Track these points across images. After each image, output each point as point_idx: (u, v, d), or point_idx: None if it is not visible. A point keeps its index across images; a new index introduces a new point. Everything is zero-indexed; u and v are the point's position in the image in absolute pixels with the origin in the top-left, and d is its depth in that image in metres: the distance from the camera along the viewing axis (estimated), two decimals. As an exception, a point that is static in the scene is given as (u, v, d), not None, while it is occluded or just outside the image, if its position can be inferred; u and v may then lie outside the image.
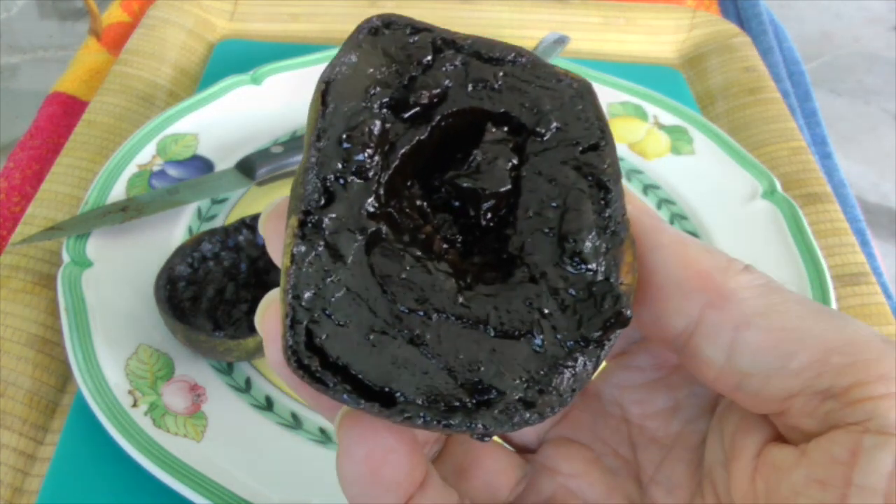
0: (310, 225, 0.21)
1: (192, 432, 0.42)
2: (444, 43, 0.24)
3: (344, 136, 0.22)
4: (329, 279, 0.21)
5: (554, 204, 0.22)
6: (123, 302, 0.47)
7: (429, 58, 0.23)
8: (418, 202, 0.23)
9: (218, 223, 0.53)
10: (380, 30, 0.23)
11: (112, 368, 0.43)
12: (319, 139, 0.22)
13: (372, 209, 0.22)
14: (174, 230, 0.52)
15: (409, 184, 0.23)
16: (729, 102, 0.66)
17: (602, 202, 0.22)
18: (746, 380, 0.21)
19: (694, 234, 0.54)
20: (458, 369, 0.20)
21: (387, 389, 0.20)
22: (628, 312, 0.21)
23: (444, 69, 0.23)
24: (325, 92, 0.22)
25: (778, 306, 0.21)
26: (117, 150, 0.56)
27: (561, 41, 0.69)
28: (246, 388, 0.45)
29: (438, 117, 0.23)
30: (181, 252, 0.47)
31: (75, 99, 0.66)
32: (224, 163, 0.57)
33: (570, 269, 0.21)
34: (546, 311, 0.21)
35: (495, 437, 0.25)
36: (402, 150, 0.22)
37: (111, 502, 0.40)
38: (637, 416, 0.25)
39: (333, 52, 0.65)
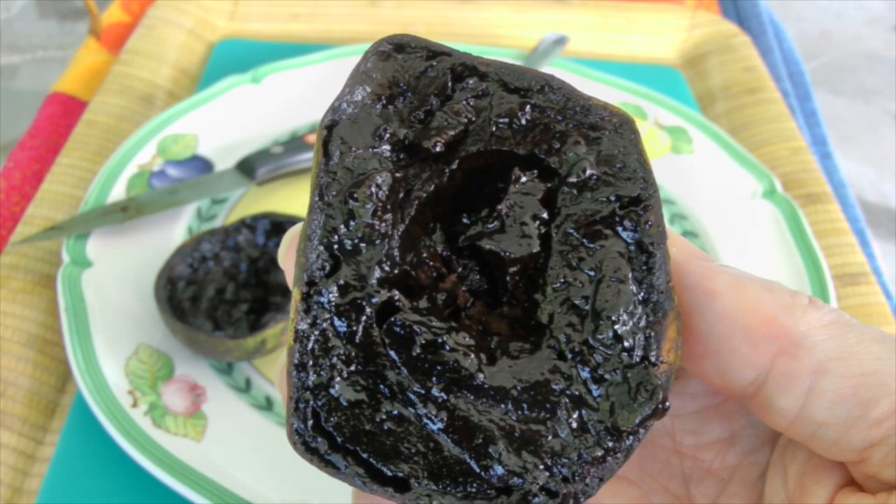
0: (314, 298, 0.19)
1: (192, 432, 0.42)
2: (465, 69, 0.21)
3: (348, 194, 0.19)
4: (336, 357, 0.19)
5: (588, 270, 0.19)
6: (123, 302, 0.47)
7: (448, 87, 0.21)
8: (440, 249, 0.21)
9: (218, 223, 0.53)
10: (391, 55, 0.21)
11: (112, 368, 0.43)
12: (322, 197, 0.19)
13: (383, 273, 0.19)
14: (174, 230, 0.52)
15: (430, 226, 0.21)
16: (729, 102, 0.66)
17: (644, 268, 0.19)
18: (823, 429, 0.19)
19: (694, 235, 0.54)
20: (476, 453, 0.18)
21: (402, 476, 0.18)
22: (666, 405, 0.18)
23: (465, 101, 0.21)
24: (327, 139, 0.20)
25: (854, 347, 0.19)
26: (117, 150, 0.56)
27: (561, 41, 0.69)
28: (246, 388, 0.44)
29: (458, 160, 0.20)
30: (181, 252, 0.47)
31: (75, 99, 0.66)
32: (224, 163, 0.57)
33: (603, 348, 0.19)
34: (575, 393, 0.19)
35: None
36: (419, 199, 0.20)
37: (111, 502, 0.40)
38: (690, 447, 0.23)
39: (333, 51, 0.65)
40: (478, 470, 0.18)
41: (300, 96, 0.62)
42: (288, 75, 0.63)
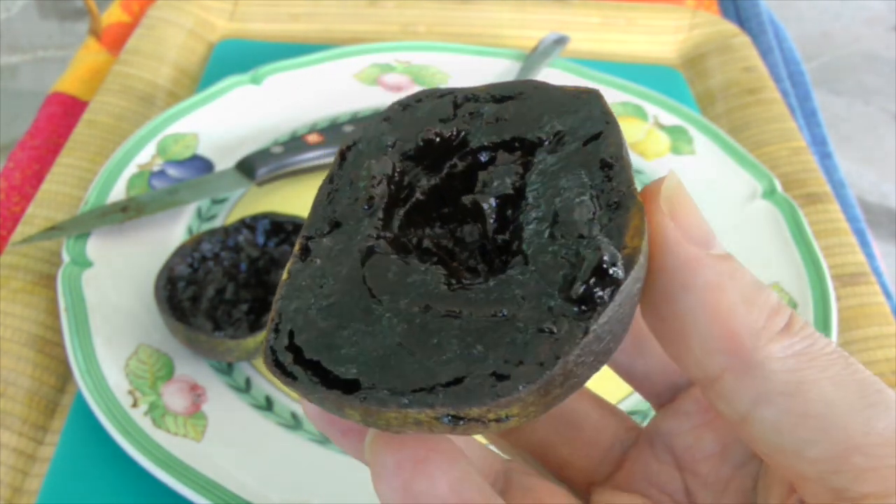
0: (310, 248, 0.22)
1: (192, 432, 0.42)
2: (465, 99, 0.24)
3: (353, 176, 0.23)
4: (318, 288, 0.21)
5: (551, 192, 0.21)
6: (123, 302, 0.47)
7: (450, 114, 0.24)
8: (445, 242, 0.23)
9: (218, 223, 0.53)
10: (407, 105, 0.24)
11: (112, 368, 0.43)
12: (331, 181, 0.23)
13: (375, 234, 0.22)
14: (174, 230, 0.52)
15: (434, 227, 0.23)
16: (729, 102, 0.66)
17: (605, 179, 0.20)
18: (759, 444, 0.19)
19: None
20: (430, 354, 0.19)
21: (352, 378, 0.19)
22: (614, 266, 0.18)
23: (462, 118, 0.24)
24: (344, 152, 0.24)
25: (809, 386, 0.18)
26: (117, 150, 0.56)
27: (561, 41, 0.69)
28: (246, 388, 0.45)
29: (453, 161, 0.23)
30: (181, 252, 0.47)
31: (75, 99, 0.66)
32: (224, 163, 0.57)
33: (561, 240, 0.20)
34: (531, 284, 0.19)
35: (553, 482, 0.25)
36: (421, 191, 0.23)
37: (111, 502, 0.40)
38: (689, 462, 0.24)
39: (333, 51, 0.65)
40: (429, 364, 0.19)
41: (300, 96, 0.62)
42: (288, 75, 0.63)
